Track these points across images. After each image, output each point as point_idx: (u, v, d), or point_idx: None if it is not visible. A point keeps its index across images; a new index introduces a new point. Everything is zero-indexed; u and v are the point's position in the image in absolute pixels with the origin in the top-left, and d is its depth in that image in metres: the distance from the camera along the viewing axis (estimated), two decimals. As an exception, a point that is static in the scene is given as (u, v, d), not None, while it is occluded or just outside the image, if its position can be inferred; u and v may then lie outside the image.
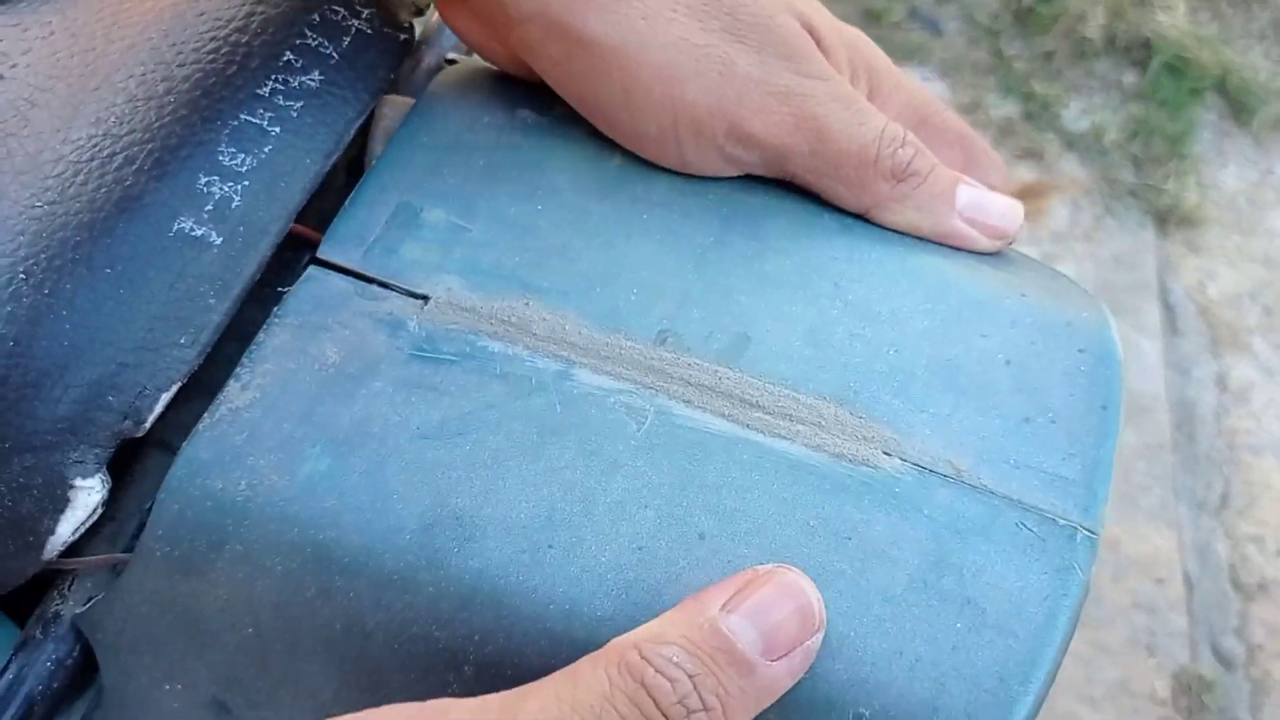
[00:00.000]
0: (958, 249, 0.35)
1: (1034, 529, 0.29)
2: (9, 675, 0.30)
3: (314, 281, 0.33)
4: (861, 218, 0.35)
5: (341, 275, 0.33)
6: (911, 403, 0.31)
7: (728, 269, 0.33)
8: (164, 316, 0.31)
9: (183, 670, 0.30)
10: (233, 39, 0.33)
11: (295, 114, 0.34)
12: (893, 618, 0.28)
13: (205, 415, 0.30)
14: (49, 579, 0.31)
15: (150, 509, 0.30)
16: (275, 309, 0.32)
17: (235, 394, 0.31)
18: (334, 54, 0.35)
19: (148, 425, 0.30)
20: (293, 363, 0.31)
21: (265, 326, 0.32)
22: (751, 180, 0.35)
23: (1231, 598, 1.21)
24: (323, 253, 0.33)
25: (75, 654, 0.31)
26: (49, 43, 0.33)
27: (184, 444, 0.30)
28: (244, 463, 0.29)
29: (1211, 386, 1.34)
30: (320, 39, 0.35)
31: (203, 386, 0.31)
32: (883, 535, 0.29)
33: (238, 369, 0.31)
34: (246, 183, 0.32)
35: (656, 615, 0.28)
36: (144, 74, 0.32)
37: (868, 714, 0.27)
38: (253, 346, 0.31)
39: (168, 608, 0.30)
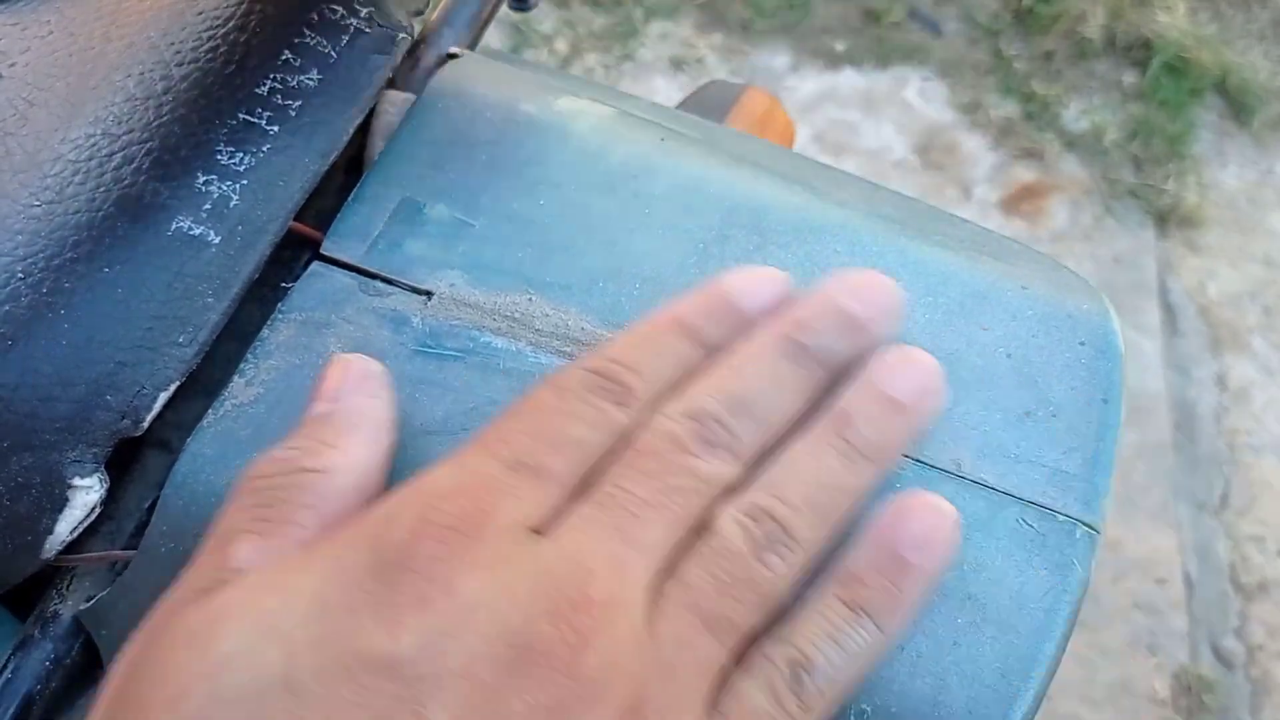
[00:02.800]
0: (959, 241, 0.35)
1: (1034, 525, 0.29)
2: (7, 673, 0.30)
3: (317, 278, 0.33)
4: (867, 213, 0.35)
5: (345, 271, 0.33)
6: None
7: (730, 263, 0.33)
8: (162, 315, 0.31)
9: (183, 668, 0.30)
10: (231, 38, 0.33)
11: (294, 113, 0.34)
12: None
13: (210, 411, 0.30)
14: (48, 577, 0.31)
15: (149, 507, 0.30)
16: (279, 305, 0.32)
17: (240, 390, 0.31)
18: (333, 53, 0.35)
19: (146, 424, 0.30)
20: (297, 358, 0.31)
21: (269, 323, 0.32)
22: (754, 173, 0.35)
23: (1231, 598, 1.21)
24: (326, 249, 0.33)
25: (75, 652, 0.31)
26: (47, 42, 0.33)
27: (189, 439, 0.30)
28: (248, 458, 0.29)
29: (1211, 386, 1.34)
30: (319, 38, 0.35)
31: (201, 386, 0.31)
32: None
33: (242, 365, 0.31)
34: (245, 182, 0.32)
35: None
36: (142, 73, 0.32)
37: (869, 710, 0.27)
38: (257, 343, 0.31)
39: None
